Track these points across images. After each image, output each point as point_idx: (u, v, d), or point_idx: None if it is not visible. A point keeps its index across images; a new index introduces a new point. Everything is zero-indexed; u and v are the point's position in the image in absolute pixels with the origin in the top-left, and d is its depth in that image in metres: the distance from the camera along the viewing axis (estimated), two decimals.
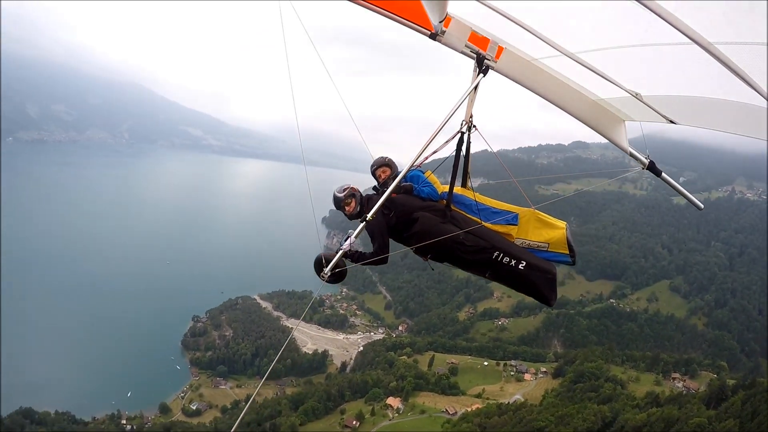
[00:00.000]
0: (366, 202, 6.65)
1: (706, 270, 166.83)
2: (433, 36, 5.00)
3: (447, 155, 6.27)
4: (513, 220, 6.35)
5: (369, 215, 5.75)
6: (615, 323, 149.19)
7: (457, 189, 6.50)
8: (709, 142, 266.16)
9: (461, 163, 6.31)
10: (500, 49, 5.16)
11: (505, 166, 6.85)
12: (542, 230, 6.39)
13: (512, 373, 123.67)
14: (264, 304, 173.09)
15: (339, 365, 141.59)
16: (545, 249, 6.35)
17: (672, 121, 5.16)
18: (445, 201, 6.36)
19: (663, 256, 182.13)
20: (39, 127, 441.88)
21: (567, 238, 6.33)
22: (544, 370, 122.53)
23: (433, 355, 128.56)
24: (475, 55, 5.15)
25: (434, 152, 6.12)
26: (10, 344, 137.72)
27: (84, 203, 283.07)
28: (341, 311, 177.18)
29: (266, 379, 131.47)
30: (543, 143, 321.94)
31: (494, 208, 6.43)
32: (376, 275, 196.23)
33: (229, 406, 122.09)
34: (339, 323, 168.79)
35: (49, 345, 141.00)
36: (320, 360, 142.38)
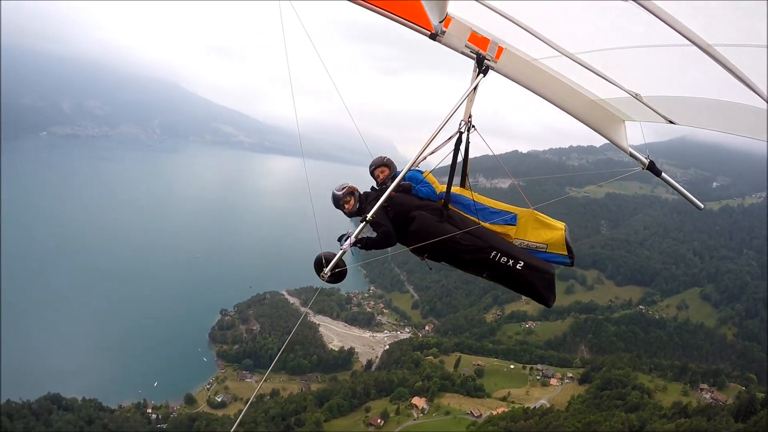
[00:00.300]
0: (365, 199, 6.68)
1: (738, 279, 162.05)
2: (433, 36, 5.05)
3: (458, 156, 6.27)
4: (511, 220, 6.35)
5: (369, 215, 5.78)
6: (643, 330, 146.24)
7: (456, 189, 6.51)
8: (743, 148, 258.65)
9: (460, 163, 6.31)
10: (500, 50, 5.18)
11: (505, 167, 7.12)
12: (541, 231, 6.37)
13: (538, 377, 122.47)
14: (291, 299, 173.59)
15: (364, 363, 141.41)
16: (544, 250, 6.34)
17: (671, 122, 5.18)
18: (442, 201, 6.37)
19: (694, 263, 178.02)
20: (73, 122, 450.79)
21: (565, 239, 6.32)
22: (571, 375, 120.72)
23: (460, 356, 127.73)
24: (475, 56, 5.17)
25: (433, 152, 6.09)
26: (42, 330, 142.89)
27: (116, 196, 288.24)
28: (368, 309, 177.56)
29: (270, 371, 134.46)
30: (574, 144, 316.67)
31: (493, 208, 6.43)
32: (404, 274, 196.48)
33: (254, 399, 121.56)
34: (366, 321, 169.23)
35: (79, 333, 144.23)
36: (346, 357, 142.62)
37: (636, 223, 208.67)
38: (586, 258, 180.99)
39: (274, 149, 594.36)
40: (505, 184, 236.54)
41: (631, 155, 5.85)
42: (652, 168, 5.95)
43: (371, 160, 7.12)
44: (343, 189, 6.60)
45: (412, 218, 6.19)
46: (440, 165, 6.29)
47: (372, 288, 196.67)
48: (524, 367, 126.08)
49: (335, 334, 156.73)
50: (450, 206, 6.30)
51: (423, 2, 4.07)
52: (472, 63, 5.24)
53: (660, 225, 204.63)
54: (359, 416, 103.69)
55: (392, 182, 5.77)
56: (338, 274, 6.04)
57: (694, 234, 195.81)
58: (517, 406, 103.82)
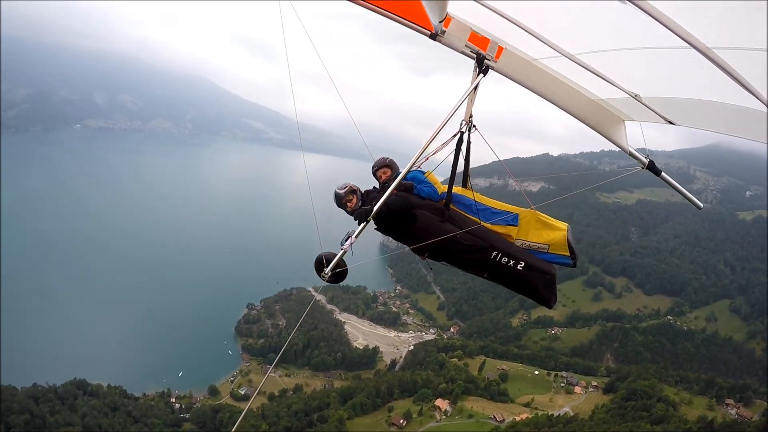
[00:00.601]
0: (366, 197, 6.69)
1: None
2: (433, 36, 5.06)
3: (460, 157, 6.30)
4: (513, 220, 6.35)
5: (371, 214, 5.80)
6: (671, 341, 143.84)
7: (458, 189, 6.52)
8: None
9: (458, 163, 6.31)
10: (500, 49, 5.19)
11: (507, 168, 6.66)
12: (543, 231, 6.36)
13: (562, 384, 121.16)
14: (318, 296, 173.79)
15: (388, 363, 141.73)
16: (545, 251, 6.32)
17: (671, 122, 5.19)
18: (443, 201, 6.37)
19: (725, 275, 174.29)
20: (106, 116, 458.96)
21: (568, 239, 6.30)
22: (595, 384, 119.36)
23: (485, 359, 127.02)
24: (475, 55, 5.18)
25: (434, 152, 6.15)
26: (71, 317, 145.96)
27: (147, 189, 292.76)
28: (394, 309, 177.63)
29: (277, 363, 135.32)
30: (606, 149, 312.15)
31: (494, 208, 6.43)
32: (431, 275, 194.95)
33: (277, 394, 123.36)
34: (391, 320, 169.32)
35: (108, 321, 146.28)
36: (370, 356, 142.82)
37: (667, 231, 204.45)
38: (615, 265, 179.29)
39: (304, 146, 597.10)
40: (535, 187, 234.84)
41: (631, 155, 5.87)
42: (652, 167, 5.97)
43: (374, 161, 7.07)
44: (345, 188, 6.63)
45: (413, 217, 6.19)
46: (442, 164, 6.36)
47: (398, 288, 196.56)
48: (549, 374, 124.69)
49: (360, 332, 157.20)
50: (451, 206, 6.32)
51: (423, 2, 4.07)
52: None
53: (691, 234, 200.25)
54: (382, 415, 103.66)
55: (393, 183, 5.75)
56: (339, 274, 6.08)
57: (725, 244, 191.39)
58: (540, 412, 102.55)
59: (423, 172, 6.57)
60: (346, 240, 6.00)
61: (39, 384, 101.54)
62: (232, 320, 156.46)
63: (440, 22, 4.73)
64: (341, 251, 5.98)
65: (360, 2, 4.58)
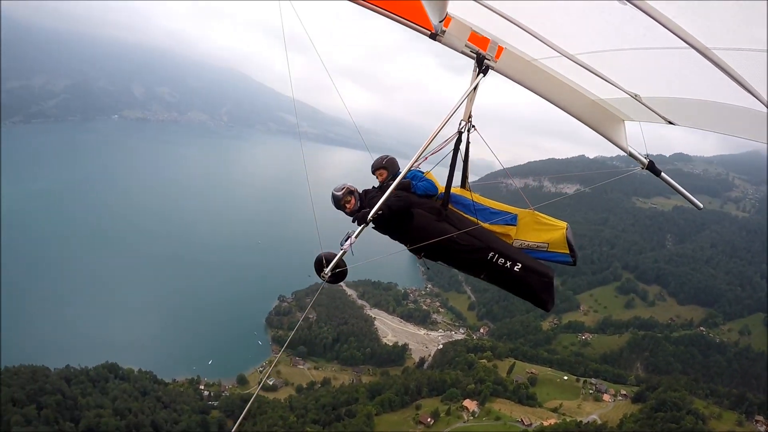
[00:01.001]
0: (365, 197, 6.68)
1: None
2: (433, 36, 5.07)
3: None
4: (511, 220, 6.33)
5: (369, 216, 5.79)
6: (702, 353, 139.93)
7: (456, 189, 6.47)
8: None
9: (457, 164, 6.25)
10: (500, 49, 5.20)
11: (506, 168, 6.63)
12: (542, 231, 6.34)
13: (591, 391, 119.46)
14: (349, 291, 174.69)
15: (417, 360, 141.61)
16: (545, 249, 6.31)
17: (670, 122, 5.19)
18: (441, 200, 6.34)
19: (761, 287, 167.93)
20: (143, 107, 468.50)
21: (567, 238, 6.26)
22: (624, 393, 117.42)
23: (514, 362, 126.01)
24: (475, 55, 5.19)
25: (434, 152, 6.07)
26: (106, 302, 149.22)
27: (183, 180, 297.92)
28: (424, 307, 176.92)
29: (283, 351, 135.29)
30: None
31: (492, 208, 6.41)
32: (462, 274, 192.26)
33: (305, 386, 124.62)
34: (421, 318, 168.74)
35: (141, 308, 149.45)
36: (399, 353, 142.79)
37: (703, 240, 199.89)
38: (648, 272, 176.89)
39: (338, 141, 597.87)
40: (570, 189, 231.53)
41: (630, 155, 5.86)
42: (652, 168, 5.96)
43: (373, 161, 7.07)
44: (342, 189, 6.60)
45: (411, 216, 6.20)
46: (441, 163, 6.28)
47: (429, 286, 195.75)
48: (578, 380, 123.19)
49: (390, 328, 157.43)
50: (450, 206, 6.29)
51: (423, 2, 4.08)
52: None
53: (728, 243, 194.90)
54: (409, 413, 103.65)
55: (393, 181, 5.76)
56: (339, 274, 6.10)
57: (763, 255, 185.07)
58: (568, 419, 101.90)
59: (422, 172, 6.57)
60: (346, 240, 6.04)
61: (71, 366, 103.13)
62: (264, 311, 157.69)
63: (440, 22, 4.75)
64: (341, 251, 6.03)
65: (360, 2, 4.63)
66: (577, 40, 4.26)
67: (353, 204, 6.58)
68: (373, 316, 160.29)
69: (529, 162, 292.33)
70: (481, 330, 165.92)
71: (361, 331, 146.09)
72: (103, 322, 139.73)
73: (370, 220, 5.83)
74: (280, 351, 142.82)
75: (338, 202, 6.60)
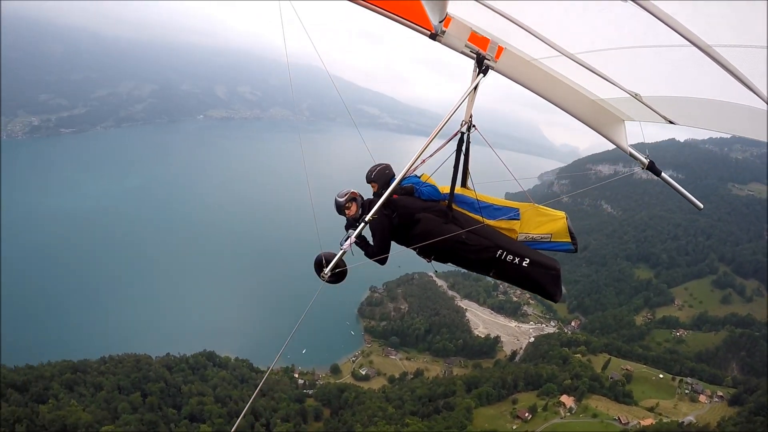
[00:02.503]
0: (368, 205, 6.64)
1: None
2: (433, 36, 5.10)
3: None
4: (515, 215, 6.37)
5: (369, 216, 5.84)
6: None
7: (457, 189, 6.48)
8: None
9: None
10: (500, 49, 5.22)
11: (506, 165, 6.52)
12: (544, 223, 6.40)
13: (687, 391, 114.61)
14: (440, 282, 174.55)
15: (508, 353, 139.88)
16: (548, 240, 6.38)
17: (671, 122, 5.19)
18: (446, 201, 6.38)
19: None
20: (227, 106, 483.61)
21: (568, 226, 6.34)
22: (720, 394, 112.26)
23: (609, 358, 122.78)
24: (475, 55, 5.21)
25: (432, 154, 6.18)
26: (203, 292, 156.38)
27: (271, 173, 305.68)
28: (515, 298, 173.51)
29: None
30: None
31: (496, 205, 6.44)
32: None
33: (397, 376, 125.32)
34: (512, 310, 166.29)
35: (236, 297, 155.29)
36: (491, 345, 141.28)
37: None
38: (746, 265, 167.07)
39: (418, 130, 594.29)
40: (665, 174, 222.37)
41: (631, 155, 5.86)
42: (652, 168, 5.94)
43: (368, 168, 7.02)
44: (344, 195, 6.63)
45: (417, 221, 6.21)
46: (440, 167, 6.41)
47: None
48: (673, 378, 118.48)
49: (481, 320, 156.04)
50: (454, 206, 6.35)
51: (423, 2, 4.08)
52: None
53: None
54: (506, 407, 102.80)
55: (391, 185, 5.82)
56: (339, 274, 6.15)
57: None
58: (665, 419, 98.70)
59: (418, 176, 6.63)
60: (346, 240, 6.10)
61: (172, 354, 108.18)
62: (356, 302, 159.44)
63: (440, 22, 4.78)
64: (341, 251, 6.08)
65: (360, 2, 4.69)
66: (578, 39, 4.27)
67: (354, 211, 6.63)
68: (464, 307, 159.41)
69: (617, 148, 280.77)
70: (573, 323, 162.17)
71: (452, 323, 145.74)
72: (198, 312, 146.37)
73: (369, 220, 5.88)
74: (371, 341, 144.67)
75: (340, 208, 6.67)
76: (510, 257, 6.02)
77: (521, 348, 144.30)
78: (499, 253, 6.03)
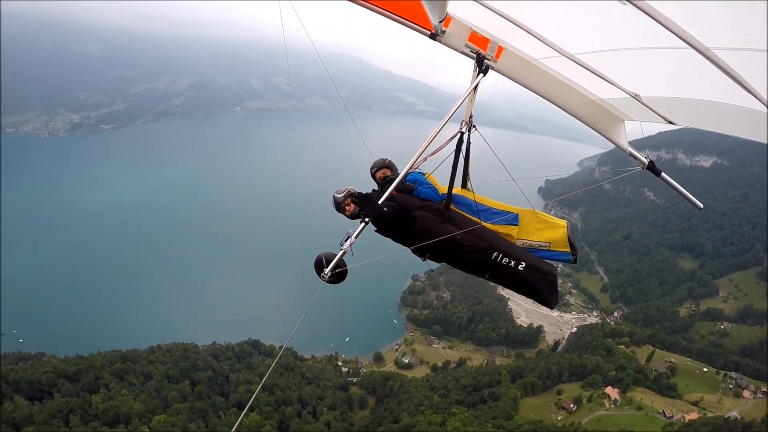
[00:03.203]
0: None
1: None
2: (433, 36, 5.12)
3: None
4: (513, 220, 6.33)
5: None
6: None
7: (457, 190, 6.49)
8: None
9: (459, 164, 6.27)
10: (500, 49, 5.22)
11: (504, 165, 6.38)
12: (543, 230, 6.35)
13: (731, 386, 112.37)
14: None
15: (551, 343, 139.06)
16: (546, 248, 6.32)
17: (671, 122, 5.19)
18: (444, 201, 6.37)
19: None
20: (263, 98, 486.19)
21: (568, 236, 6.30)
22: (765, 389, 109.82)
23: (654, 350, 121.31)
24: (475, 55, 5.24)
25: (433, 153, 6.16)
26: (244, 280, 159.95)
27: (310, 161, 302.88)
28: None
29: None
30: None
31: (494, 208, 6.40)
32: (594, 254, 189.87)
33: (440, 365, 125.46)
34: None
35: (279, 285, 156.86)
36: (534, 335, 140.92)
37: None
38: None
39: (454, 117, 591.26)
40: (707, 162, 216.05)
41: (631, 155, 5.85)
42: (652, 168, 5.97)
43: (372, 162, 7.14)
44: (343, 192, 6.55)
45: (414, 218, 6.18)
46: (440, 165, 6.38)
47: (560, 266, 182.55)
48: (717, 373, 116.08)
49: (523, 309, 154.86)
50: (452, 207, 6.33)
51: (423, 2, 4.05)
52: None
53: None
54: (550, 398, 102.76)
55: (393, 182, 5.86)
56: (339, 274, 6.11)
57: None
58: (708, 413, 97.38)
59: (422, 173, 6.61)
60: (346, 240, 6.06)
61: (218, 342, 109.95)
62: (398, 291, 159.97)
63: (440, 22, 4.79)
64: (341, 251, 6.05)
65: (360, 2, 4.71)
66: (577, 40, 4.28)
67: (354, 208, 6.54)
68: (506, 296, 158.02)
69: (659, 132, 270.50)
70: (615, 314, 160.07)
71: (495, 312, 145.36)
72: (241, 301, 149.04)
73: (368, 223, 5.91)
74: (414, 330, 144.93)
75: (339, 205, 6.58)
76: (506, 260, 6.01)
77: (564, 338, 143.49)
78: (495, 255, 6.02)
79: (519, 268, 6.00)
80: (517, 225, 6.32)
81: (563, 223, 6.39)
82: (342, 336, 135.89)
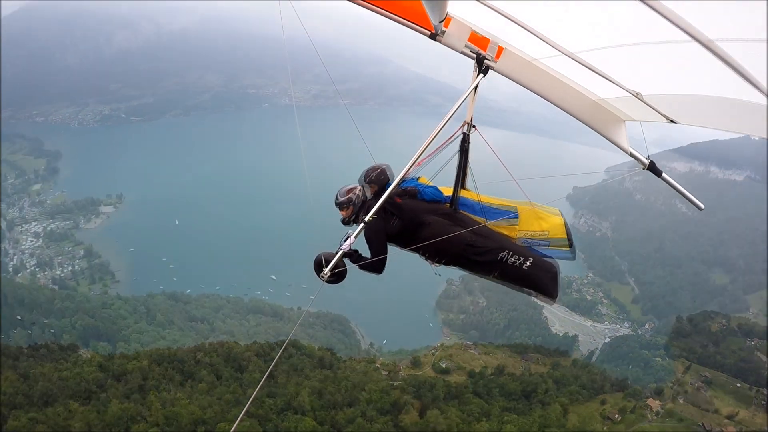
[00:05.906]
0: (368, 207, 6.41)
1: None
2: (433, 36, 5.16)
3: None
4: (514, 217, 6.43)
5: (368, 217, 5.78)
6: None
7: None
8: None
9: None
10: (500, 49, 5.23)
11: (504, 164, 6.32)
12: (540, 220, 6.45)
13: (763, 402, 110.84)
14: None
15: (585, 353, 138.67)
16: (546, 237, 6.42)
17: (673, 121, 5.15)
18: (448, 204, 6.43)
19: None
20: (289, 95, 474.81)
21: (565, 223, 6.45)
22: None
23: (690, 363, 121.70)
24: (475, 56, 5.26)
25: (431, 154, 6.13)
26: (275, 279, 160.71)
27: (343, 161, 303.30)
28: (588, 297, 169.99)
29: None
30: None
31: (494, 207, 6.47)
32: (625, 264, 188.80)
33: (477, 371, 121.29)
34: (586, 309, 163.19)
35: (313, 287, 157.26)
36: (569, 344, 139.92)
37: None
38: None
39: (480, 120, 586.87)
40: (740, 176, 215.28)
41: (632, 155, 5.81)
42: (653, 168, 5.90)
43: (365, 168, 6.94)
44: (344, 195, 6.61)
45: (427, 224, 6.19)
46: (441, 170, 6.50)
47: (590, 274, 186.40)
48: (750, 388, 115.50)
49: (556, 318, 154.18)
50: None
51: (423, 2, 4.07)
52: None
53: None
54: (594, 407, 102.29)
55: (390, 186, 5.80)
56: (338, 275, 6.13)
57: None
58: (745, 428, 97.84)
59: (415, 179, 6.65)
60: (345, 240, 6.14)
61: (257, 341, 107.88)
62: (433, 294, 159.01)
63: (440, 22, 4.84)
64: (340, 252, 6.10)
65: (360, 2, 4.79)
66: (578, 38, 4.28)
67: (349, 212, 6.62)
68: (541, 304, 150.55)
69: (690, 144, 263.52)
70: (647, 325, 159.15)
71: (531, 319, 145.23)
72: (275, 297, 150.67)
73: (368, 222, 5.87)
74: (450, 334, 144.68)
75: (338, 206, 6.67)
76: (512, 259, 6.15)
77: (597, 348, 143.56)
78: (502, 254, 6.16)
79: (525, 266, 6.23)
80: (517, 220, 6.49)
81: (556, 210, 6.62)
82: (378, 338, 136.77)
